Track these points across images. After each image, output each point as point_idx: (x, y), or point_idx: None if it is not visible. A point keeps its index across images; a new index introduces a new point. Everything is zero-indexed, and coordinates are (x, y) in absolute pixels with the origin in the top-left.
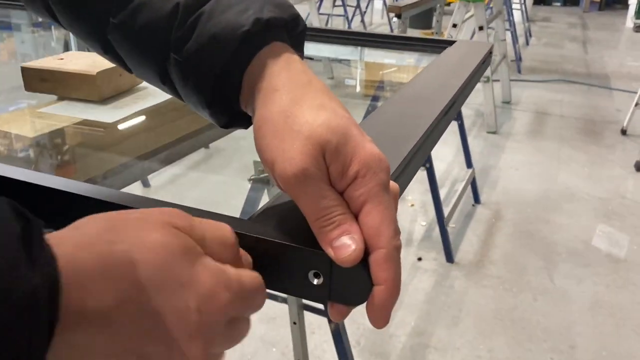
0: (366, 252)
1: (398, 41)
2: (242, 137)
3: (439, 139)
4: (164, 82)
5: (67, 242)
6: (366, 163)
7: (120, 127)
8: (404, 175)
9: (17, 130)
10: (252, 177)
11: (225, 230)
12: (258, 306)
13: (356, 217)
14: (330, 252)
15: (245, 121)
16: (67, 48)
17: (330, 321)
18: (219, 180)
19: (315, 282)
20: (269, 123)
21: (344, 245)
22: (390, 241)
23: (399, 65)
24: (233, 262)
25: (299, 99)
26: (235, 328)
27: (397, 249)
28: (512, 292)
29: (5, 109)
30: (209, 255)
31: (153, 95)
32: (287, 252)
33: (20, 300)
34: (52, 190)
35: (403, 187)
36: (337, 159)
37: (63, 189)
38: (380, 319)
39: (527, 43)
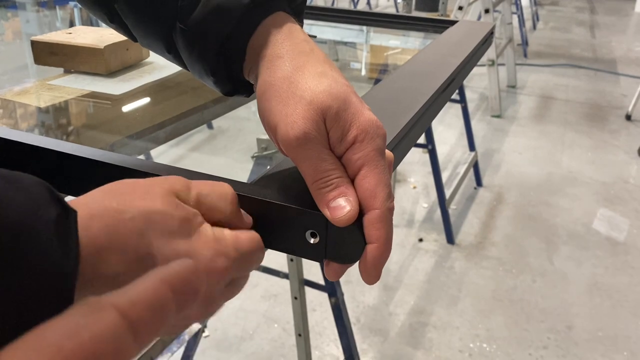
0: (360, 213)
1: (401, 20)
2: (245, 118)
3: (436, 115)
4: (170, 51)
5: (82, 210)
6: (364, 129)
7: (127, 99)
8: (399, 148)
9: (27, 101)
10: (255, 155)
11: (224, 186)
12: (257, 264)
13: (353, 180)
14: (326, 212)
15: (247, 89)
16: (72, 27)
17: (331, 297)
18: (222, 161)
19: (312, 241)
20: (272, 88)
21: (340, 206)
22: (384, 203)
23: (404, 48)
24: (234, 217)
25: (301, 66)
26: (234, 285)
27: (390, 210)
28: (512, 274)
29: (14, 86)
30: (209, 211)
31: (159, 69)
32: (286, 212)
33: (52, 283)
34: (65, 155)
35: (399, 160)
36: (336, 124)
37: (79, 155)
38: (371, 275)
39: (534, 27)
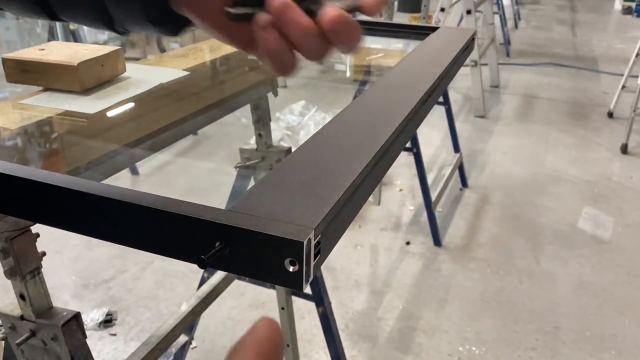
0: None
1: (381, 28)
2: (230, 124)
3: (418, 125)
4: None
5: None
6: None
7: (104, 117)
8: (383, 161)
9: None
10: (238, 165)
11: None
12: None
13: None
14: None
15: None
16: (52, 34)
17: (318, 306)
18: (207, 167)
19: (291, 269)
20: None
21: None
22: None
23: (387, 50)
24: None
25: None
26: None
27: None
28: (499, 275)
29: None
30: None
31: (135, 85)
32: (264, 240)
33: None
34: (28, 182)
35: (385, 171)
36: None
37: (40, 181)
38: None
39: (516, 26)
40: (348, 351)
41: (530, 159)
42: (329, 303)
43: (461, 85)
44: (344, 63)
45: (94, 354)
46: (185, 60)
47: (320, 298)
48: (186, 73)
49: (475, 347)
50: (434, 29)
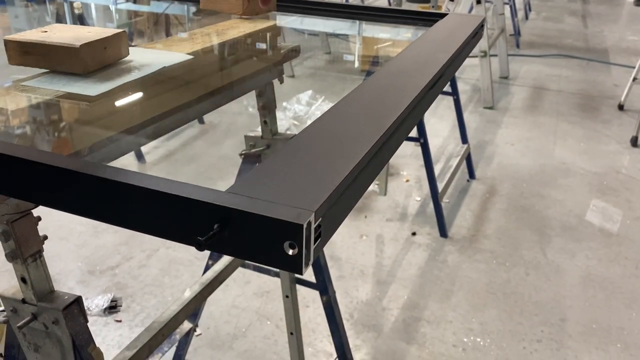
0: None
1: (391, 14)
2: (237, 112)
3: (425, 111)
4: None
5: None
6: None
7: (104, 100)
8: (388, 145)
9: (1, 104)
10: (243, 152)
11: None
12: None
13: None
14: None
15: None
16: (59, 22)
17: (322, 295)
18: (213, 155)
19: (291, 252)
20: None
21: None
22: None
23: (395, 40)
24: None
25: None
26: None
27: None
28: (505, 267)
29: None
30: None
31: (138, 68)
32: (262, 223)
33: None
34: (29, 163)
35: (389, 157)
36: None
37: (41, 162)
38: None
39: (527, 17)
40: (352, 340)
41: (538, 151)
42: (334, 292)
43: (470, 76)
44: (352, 53)
45: (98, 340)
46: (190, 45)
47: (324, 287)
48: (190, 57)
49: (480, 338)
50: (443, 15)
